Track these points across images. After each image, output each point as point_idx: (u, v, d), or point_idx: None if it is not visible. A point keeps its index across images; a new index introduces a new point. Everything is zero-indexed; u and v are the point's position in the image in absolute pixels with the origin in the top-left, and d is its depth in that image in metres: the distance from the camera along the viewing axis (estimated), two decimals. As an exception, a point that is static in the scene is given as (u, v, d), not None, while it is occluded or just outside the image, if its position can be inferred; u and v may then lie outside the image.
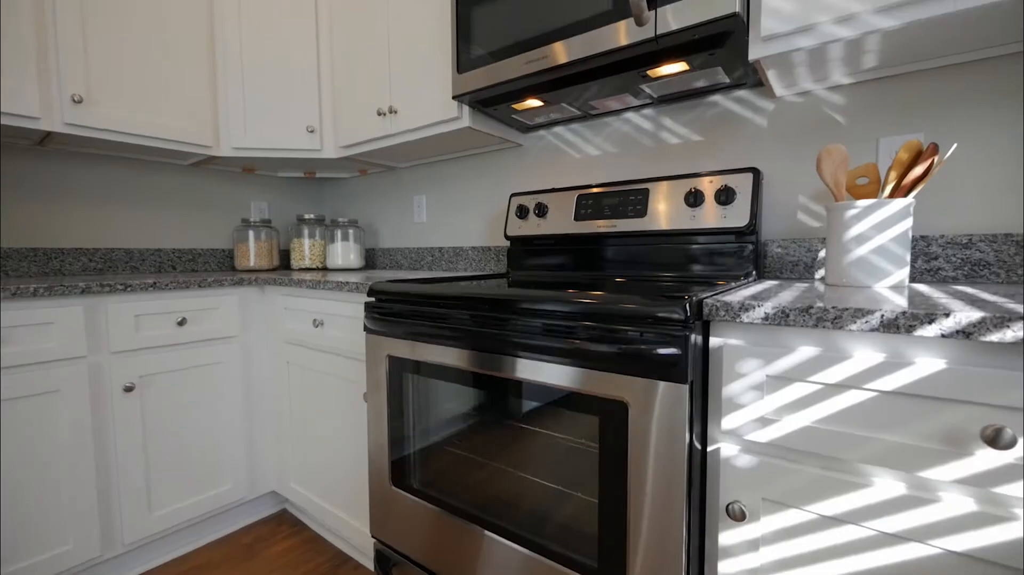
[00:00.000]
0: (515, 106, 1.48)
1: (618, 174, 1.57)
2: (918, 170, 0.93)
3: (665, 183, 1.33)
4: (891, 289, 0.88)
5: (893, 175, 0.96)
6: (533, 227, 1.58)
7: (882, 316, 0.62)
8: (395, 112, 1.70)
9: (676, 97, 1.39)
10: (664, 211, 1.31)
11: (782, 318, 0.69)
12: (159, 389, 1.52)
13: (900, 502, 0.63)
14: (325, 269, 2.20)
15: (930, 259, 1.08)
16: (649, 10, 1.04)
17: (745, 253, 1.22)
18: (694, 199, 1.25)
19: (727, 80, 1.25)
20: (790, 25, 0.94)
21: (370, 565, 1.56)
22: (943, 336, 0.58)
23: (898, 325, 0.61)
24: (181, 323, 1.55)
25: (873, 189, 1.00)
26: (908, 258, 0.94)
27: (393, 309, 1.16)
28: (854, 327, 0.64)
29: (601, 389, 0.83)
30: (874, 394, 0.64)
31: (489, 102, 1.46)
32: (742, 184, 1.21)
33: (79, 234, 1.86)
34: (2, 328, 1.23)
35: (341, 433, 1.51)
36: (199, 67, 1.82)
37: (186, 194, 2.15)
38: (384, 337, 1.20)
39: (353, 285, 1.35)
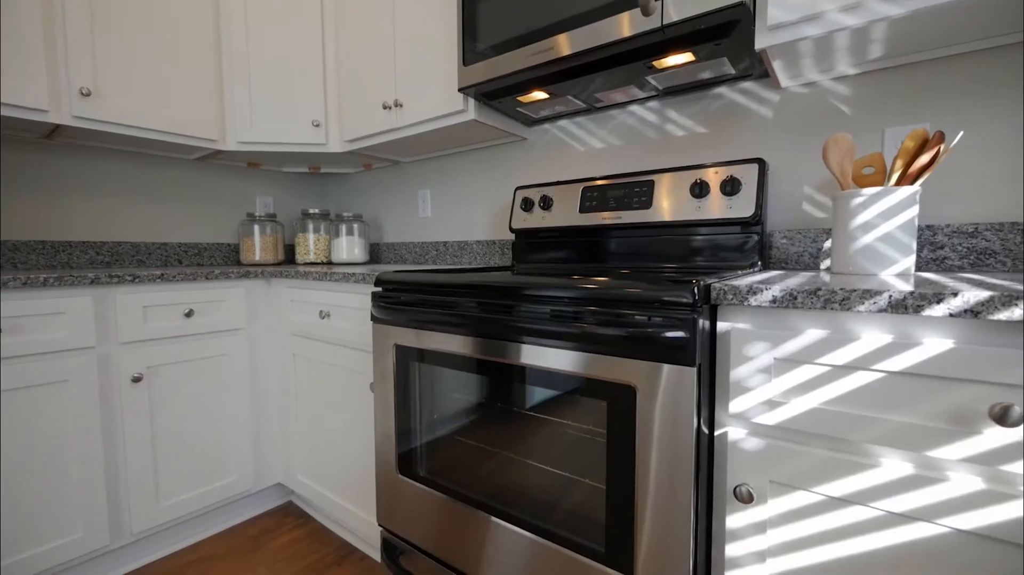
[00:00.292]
0: (520, 99, 1.48)
1: (623, 167, 1.58)
2: (924, 158, 0.93)
3: (670, 174, 1.33)
4: (897, 277, 0.89)
5: (899, 163, 0.97)
6: (538, 220, 1.58)
7: (890, 297, 0.62)
8: (400, 106, 1.71)
9: (681, 89, 1.39)
10: (669, 202, 1.32)
11: (790, 301, 0.69)
12: (166, 380, 1.53)
13: (908, 482, 0.63)
14: (330, 263, 2.21)
15: (936, 248, 1.08)
16: (655, 0, 1.04)
17: (750, 244, 1.22)
18: (699, 190, 1.26)
19: (732, 71, 1.26)
20: (796, 14, 0.94)
21: (376, 555, 1.57)
22: (951, 315, 0.59)
23: (906, 305, 0.61)
24: (188, 315, 1.56)
25: (879, 178, 1.01)
26: (914, 246, 0.95)
27: (400, 298, 1.17)
28: (862, 308, 0.64)
29: (609, 373, 0.83)
30: (882, 375, 0.65)
31: (494, 95, 1.47)
32: (747, 175, 1.21)
33: (85, 227, 1.87)
34: (9, 319, 1.24)
35: (348, 424, 1.52)
36: (205, 61, 1.83)
37: (192, 188, 2.16)
38: (391, 326, 1.20)
39: (360, 275, 1.36)
